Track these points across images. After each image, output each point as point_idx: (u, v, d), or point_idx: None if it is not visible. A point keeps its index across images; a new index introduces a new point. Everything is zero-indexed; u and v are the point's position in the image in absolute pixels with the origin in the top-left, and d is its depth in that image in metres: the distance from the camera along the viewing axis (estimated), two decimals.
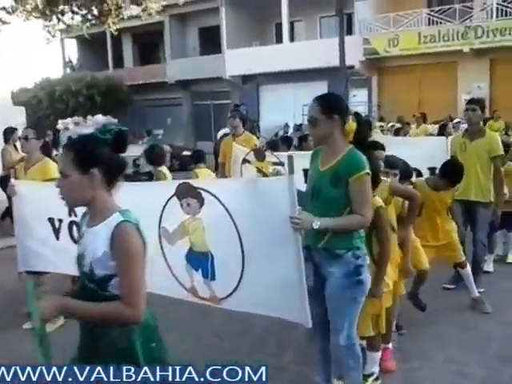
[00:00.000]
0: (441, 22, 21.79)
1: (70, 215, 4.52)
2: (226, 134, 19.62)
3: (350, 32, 24.67)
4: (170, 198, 3.49)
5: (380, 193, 4.01)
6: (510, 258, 7.15)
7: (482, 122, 6.25)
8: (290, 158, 3.07)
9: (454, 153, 6.04)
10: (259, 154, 7.02)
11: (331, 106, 3.28)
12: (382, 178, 4.14)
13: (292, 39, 27.71)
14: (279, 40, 27.64)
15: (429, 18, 22.35)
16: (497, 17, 20.72)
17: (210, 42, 29.05)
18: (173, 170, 19.84)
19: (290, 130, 23.03)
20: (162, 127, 30.77)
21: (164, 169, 6.54)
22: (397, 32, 22.42)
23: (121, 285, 2.14)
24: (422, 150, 6.19)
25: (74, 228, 4.38)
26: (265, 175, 6.56)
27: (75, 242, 4.04)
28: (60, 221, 4.62)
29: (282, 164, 6.60)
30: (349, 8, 23.79)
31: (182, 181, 3.57)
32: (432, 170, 6.15)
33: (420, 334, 5.00)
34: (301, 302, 3.16)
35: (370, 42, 23.17)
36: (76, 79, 28.53)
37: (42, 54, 75.00)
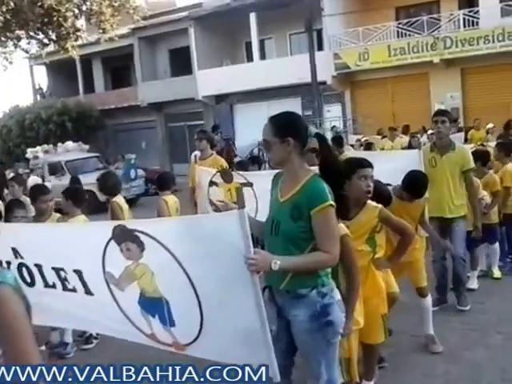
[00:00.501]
0: (410, 34, 21.80)
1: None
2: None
3: (320, 48, 24.66)
4: (109, 241, 3.09)
5: (368, 218, 3.70)
6: (495, 273, 6.86)
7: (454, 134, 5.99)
8: (239, 189, 2.74)
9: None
10: (226, 176, 6.73)
11: (285, 127, 2.94)
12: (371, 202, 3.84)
13: (264, 57, 27.57)
14: (250, 58, 27.48)
15: (398, 31, 22.37)
16: (464, 27, 20.79)
17: (181, 63, 28.76)
18: (149, 194, 19.66)
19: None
20: (136, 151, 30.26)
21: (119, 199, 6.18)
22: (366, 46, 22.38)
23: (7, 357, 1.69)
24: (396, 164, 5.90)
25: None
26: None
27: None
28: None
29: (250, 185, 6.34)
30: (318, 24, 23.76)
31: (117, 222, 3.19)
32: None
33: (404, 365, 4.66)
34: (267, 353, 2.81)
35: (340, 57, 23.10)
36: (46, 106, 28.04)
37: (11, 82, 74.40)
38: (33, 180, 15.50)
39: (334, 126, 20.68)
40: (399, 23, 22.43)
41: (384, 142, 14.78)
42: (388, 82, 22.91)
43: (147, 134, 30.76)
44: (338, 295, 3.01)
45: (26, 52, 17.39)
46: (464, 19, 20.78)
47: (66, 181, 18.82)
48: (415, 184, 4.69)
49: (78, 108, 28.33)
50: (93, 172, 17.02)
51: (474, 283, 6.51)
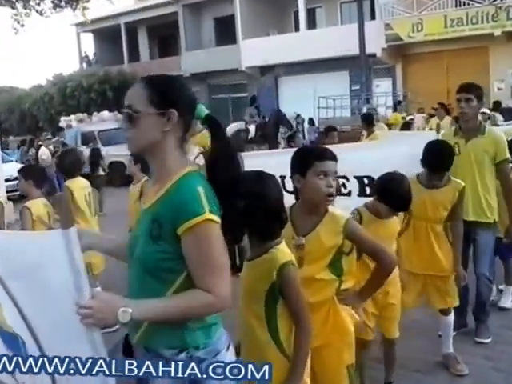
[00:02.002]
0: (468, 4, 19.91)
1: None
2: (239, 131, 18.60)
3: (373, 18, 23.06)
4: None
5: (329, 233, 2.68)
6: None
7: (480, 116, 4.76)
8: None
9: None
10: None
11: (169, 93, 1.91)
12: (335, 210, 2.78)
13: (314, 27, 26.14)
14: (298, 28, 26.13)
15: (455, 0, 20.49)
16: None
17: (226, 32, 27.71)
18: None
19: (306, 123, 21.60)
20: None
21: (79, 180, 5.39)
22: (421, 16, 20.64)
23: None
24: (410, 149, 4.74)
25: None
26: None
27: None
28: None
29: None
30: None
31: None
32: None
33: None
34: None
35: (392, 28, 21.46)
36: (88, 74, 27.59)
37: (58, 50, 75.36)
38: (43, 152, 14.84)
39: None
40: None
41: (432, 121, 13.35)
42: (443, 55, 21.16)
43: None
44: (230, 356, 1.97)
45: (41, 14, 16.61)
46: None
47: None
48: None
49: (120, 77, 27.71)
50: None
51: (508, 301, 5.28)
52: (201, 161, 5.79)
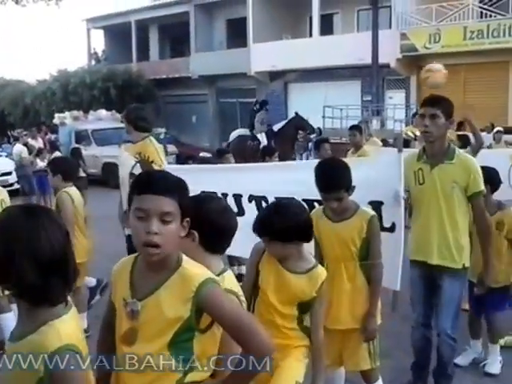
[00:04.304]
0: (491, 15, 18.75)
1: None
2: (242, 136, 17.38)
3: (390, 26, 21.99)
4: None
5: (178, 299, 1.89)
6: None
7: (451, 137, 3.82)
8: None
9: (407, 185, 3.68)
10: (145, 169, 4.88)
11: None
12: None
13: (330, 33, 25.10)
14: (312, 34, 25.15)
15: (477, 11, 19.35)
16: None
17: (239, 34, 26.85)
18: None
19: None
20: (186, 125, 28.93)
21: (70, 190, 5.02)
22: (439, 26, 19.51)
23: None
24: (372, 173, 3.85)
25: None
26: None
27: None
28: None
29: None
30: (388, 0, 21.13)
31: None
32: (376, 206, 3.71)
33: None
34: None
35: (408, 38, 20.35)
36: (92, 71, 26.88)
37: (70, 45, 75.67)
38: (17, 149, 13.94)
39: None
40: (480, 1, 19.39)
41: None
42: (461, 69, 19.96)
43: (198, 108, 29.15)
44: None
45: (17, 3, 15.83)
46: None
47: (92, 150, 17.68)
48: (323, 173, 3.11)
49: (125, 75, 26.94)
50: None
51: (494, 366, 4.24)
52: (137, 170, 4.92)
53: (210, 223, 2.15)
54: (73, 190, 5.05)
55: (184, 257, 1.96)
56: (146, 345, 1.89)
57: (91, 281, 5.58)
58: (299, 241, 2.69)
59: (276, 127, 15.92)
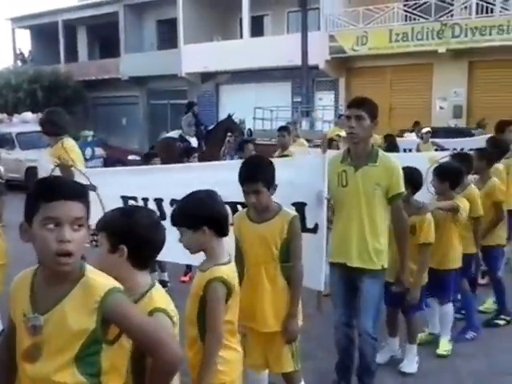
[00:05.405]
0: (415, 19, 19.34)
1: None
2: (169, 138, 17.11)
3: (319, 28, 22.30)
4: None
5: (82, 311, 1.81)
6: (442, 346, 4.61)
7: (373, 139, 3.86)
8: None
9: (329, 188, 3.68)
10: (65, 174, 4.99)
11: None
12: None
13: (261, 34, 25.20)
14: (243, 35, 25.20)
15: (402, 14, 19.89)
16: (477, 14, 18.27)
17: (170, 35, 26.58)
18: None
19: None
20: (116, 127, 28.42)
21: None
22: (366, 29, 19.93)
23: None
24: (294, 176, 3.85)
25: None
26: None
27: None
28: None
29: (93, 188, 4.70)
30: (317, 2, 21.42)
31: None
32: (299, 207, 3.72)
33: None
34: None
35: (336, 40, 20.68)
36: (17, 72, 25.93)
37: None
38: None
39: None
40: (405, 5, 19.95)
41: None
42: (387, 71, 20.55)
43: (129, 110, 28.70)
44: None
45: None
46: (478, 5, 18.21)
47: (16, 154, 17.03)
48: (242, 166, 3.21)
49: (53, 76, 26.14)
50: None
51: (410, 365, 4.31)
52: (58, 173, 4.80)
53: (138, 238, 2.08)
54: None
55: (87, 266, 1.87)
56: (50, 361, 1.79)
57: None
58: (209, 229, 2.58)
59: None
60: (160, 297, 2.11)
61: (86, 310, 1.77)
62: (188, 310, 2.64)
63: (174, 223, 2.61)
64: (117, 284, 1.84)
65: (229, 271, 2.59)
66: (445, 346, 4.59)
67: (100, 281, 1.82)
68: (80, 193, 1.82)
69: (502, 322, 5.26)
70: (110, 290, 1.79)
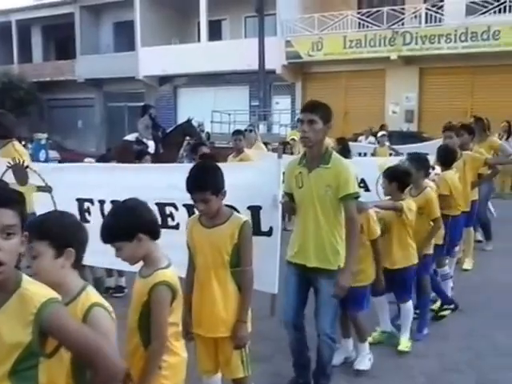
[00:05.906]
0: (368, 26, 19.93)
1: None
2: (125, 141, 17.09)
3: (276, 34, 22.65)
4: None
5: (17, 323, 1.73)
6: (403, 343, 4.75)
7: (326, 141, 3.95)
8: None
9: (289, 188, 3.76)
10: (19, 175, 5.02)
11: None
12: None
13: (219, 39, 25.36)
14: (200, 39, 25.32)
15: (356, 22, 20.47)
16: (426, 23, 19.00)
17: (127, 38, 26.43)
18: None
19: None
20: (72, 130, 28.07)
21: None
22: (321, 35, 20.42)
23: None
24: (250, 179, 4.01)
25: None
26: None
27: None
28: None
29: (49, 189, 4.83)
30: (274, 8, 21.77)
31: None
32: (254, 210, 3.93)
33: None
34: None
35: (292, 45, 21.10)
36: None
37: None
38: None
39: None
40: (358, 12, 20.54)
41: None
42: (342, 76, 21.08)
43: (85, 112, 28.41)
44: None
45: None
46: (427, 14, 18.99)
47: None
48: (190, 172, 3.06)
49: (5, 78, 25.70)
50: None
51: (363, 362, 4.34)
52: (9, 176, 4.87)
53: (79, 238, 2.09)
54: None
55: (25, 276, 1.79)
56: None
57: None
58: (144, 234, 2.53)
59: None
60: (95, 294, 2.08)
61: (21, 322, 1.70)
62: (130, 318, 2.59)
63: (109, 240, 2.52)
64: (54, 294, 1.77)
65: (172, 274, 2.56)
66: (406, 343, 4.69)
67: (36, 292, 1.75)
68: (11, 200, 1.75)
69: (446, 313, 5.45)
70: (47, 302, 1.72)
